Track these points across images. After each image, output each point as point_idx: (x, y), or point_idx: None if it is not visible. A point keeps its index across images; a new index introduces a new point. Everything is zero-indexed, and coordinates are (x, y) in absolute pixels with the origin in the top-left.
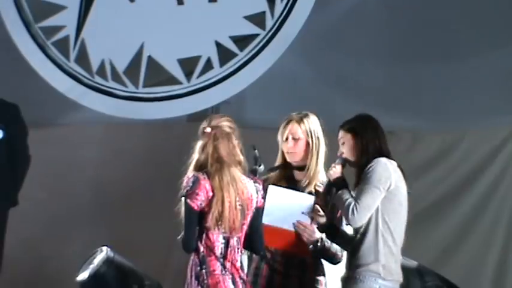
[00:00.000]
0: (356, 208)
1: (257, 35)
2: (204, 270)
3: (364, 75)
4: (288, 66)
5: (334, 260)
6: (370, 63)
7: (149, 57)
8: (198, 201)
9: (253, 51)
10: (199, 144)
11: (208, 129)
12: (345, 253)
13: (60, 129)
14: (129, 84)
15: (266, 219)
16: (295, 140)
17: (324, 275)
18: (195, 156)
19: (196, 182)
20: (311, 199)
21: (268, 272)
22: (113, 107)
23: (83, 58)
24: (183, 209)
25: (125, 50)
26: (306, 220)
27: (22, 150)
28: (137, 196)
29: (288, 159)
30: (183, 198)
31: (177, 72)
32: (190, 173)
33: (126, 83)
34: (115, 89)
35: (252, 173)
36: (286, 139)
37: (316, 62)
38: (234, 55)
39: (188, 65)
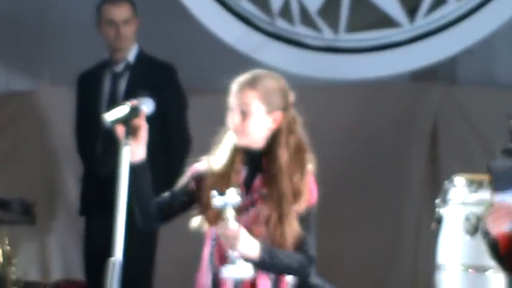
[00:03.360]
0: None
1: None
2: None
3: None
4: None
5: None
6: None
7: None
8: None
9: None
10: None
11: None
12: None
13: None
14: (325, 29)
15: None
16: None
17: None
18: None
19: None
20: None
21: None
22: (302, 62)
23: None
24: None
25: None
26: None
27: (179, 128)
28: (342, 185)
29: None
30: None
31: (395, 10)
32: None
33: (320, 28)
34: (305, 36)
35: (507, 154)
36: None
37: None
38: None
39: None
